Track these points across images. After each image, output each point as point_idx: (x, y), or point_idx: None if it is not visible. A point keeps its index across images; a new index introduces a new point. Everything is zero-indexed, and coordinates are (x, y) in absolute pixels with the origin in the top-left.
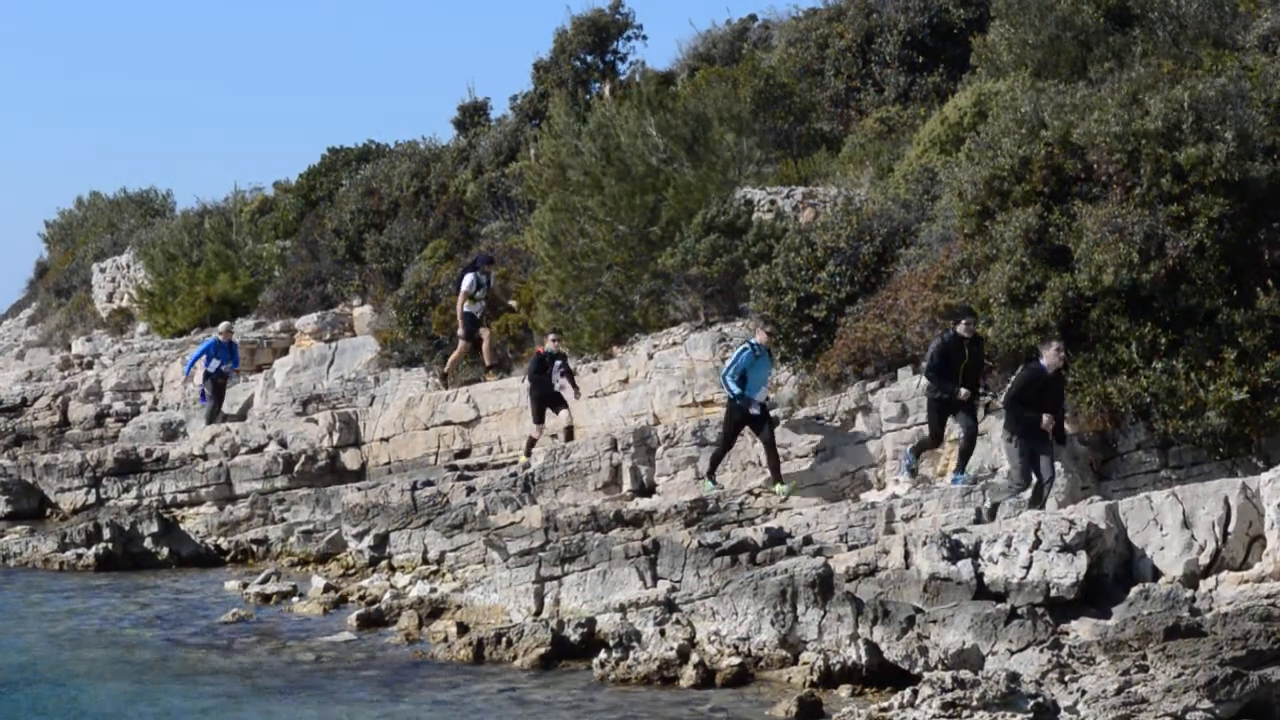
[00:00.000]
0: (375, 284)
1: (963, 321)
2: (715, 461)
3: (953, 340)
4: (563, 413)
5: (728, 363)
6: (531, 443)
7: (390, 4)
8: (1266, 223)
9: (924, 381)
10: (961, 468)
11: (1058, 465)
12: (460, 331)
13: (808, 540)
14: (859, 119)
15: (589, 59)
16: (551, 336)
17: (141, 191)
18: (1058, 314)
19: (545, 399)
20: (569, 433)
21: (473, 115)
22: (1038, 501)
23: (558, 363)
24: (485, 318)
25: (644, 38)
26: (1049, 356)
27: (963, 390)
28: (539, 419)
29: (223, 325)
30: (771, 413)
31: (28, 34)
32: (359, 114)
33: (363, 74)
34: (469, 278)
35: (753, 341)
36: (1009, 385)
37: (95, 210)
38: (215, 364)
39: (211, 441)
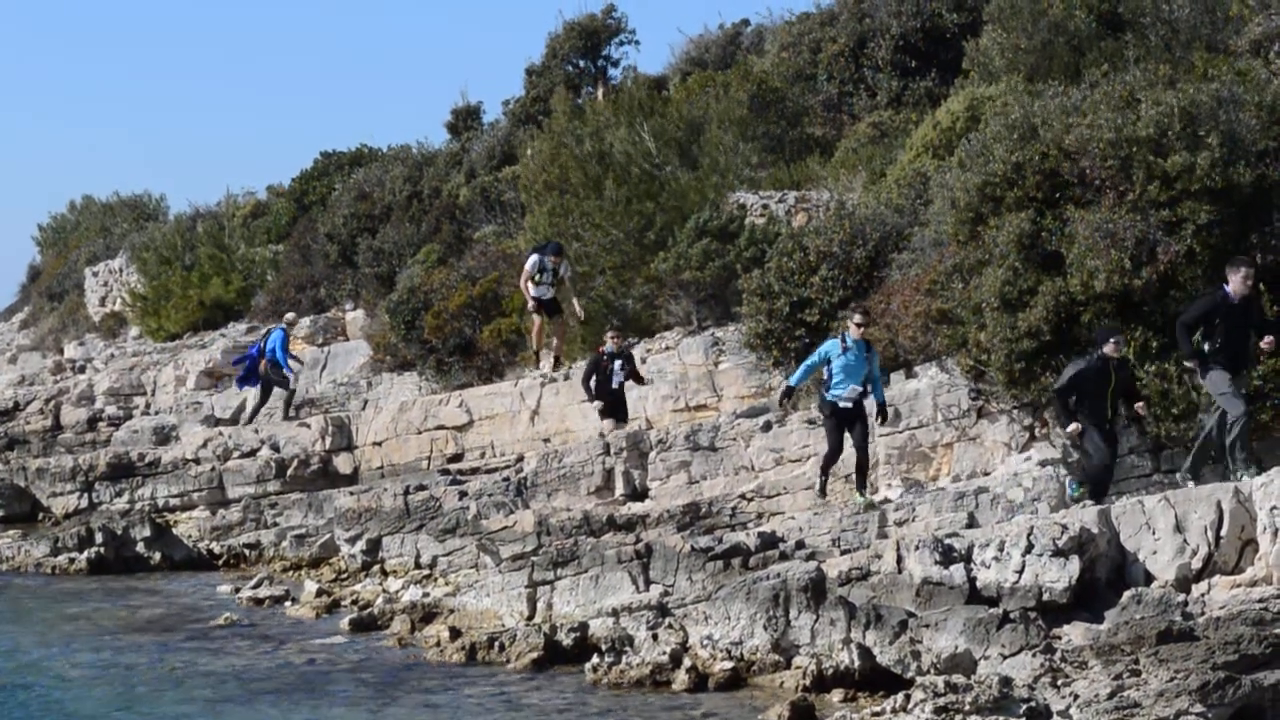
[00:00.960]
0: (368, 288)
1: (1110, 340)
2: (825, 469)
3: (1098, 364)
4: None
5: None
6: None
7: (383, 8)
8: (1257, 227)
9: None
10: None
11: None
12: (529, 306)
13: (800, 544)
14: (851, 123)
15: (581, 63)
16: (611, 334)
17: (134, 195)
18: (1050, 318)
19: (608, 405)
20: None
21: (466, 119)
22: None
23: (618, 363)
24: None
25: (636, 42)
26: (1235, 283)
27: (1072, 426)
28: (611, 413)
29: (288, 316)
30: (764, 418)
31: (22, 36)
32: (352, 118)
33: (356, 78)
34: (533, 258)
35: (844, 333)
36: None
37: (88, 214)
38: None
39: (204, 446)
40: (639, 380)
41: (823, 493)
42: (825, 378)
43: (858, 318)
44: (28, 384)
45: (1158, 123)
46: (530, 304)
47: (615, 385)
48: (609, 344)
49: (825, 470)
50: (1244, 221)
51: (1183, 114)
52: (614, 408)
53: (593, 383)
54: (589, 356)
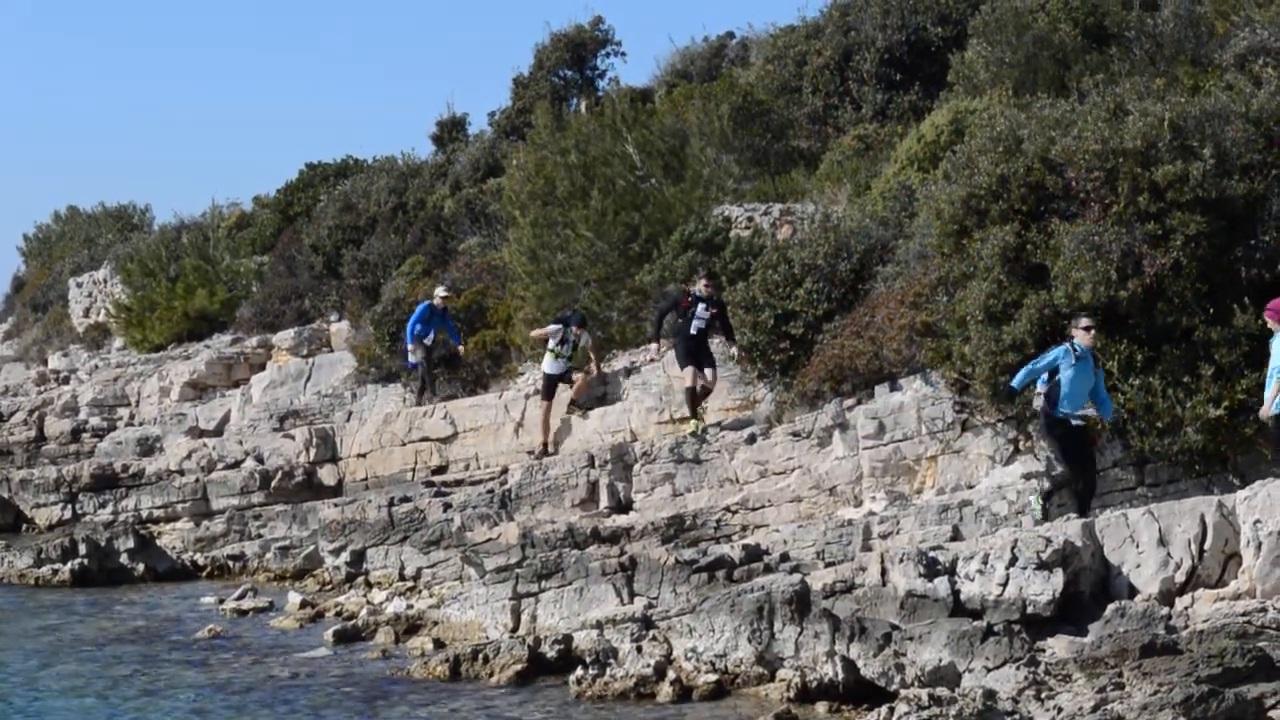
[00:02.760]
0: (353, 299)
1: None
2: (1084, 502)
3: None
4: (707, 372)
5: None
6: (691, 394)
7: (369, 19)
8: (1243, 240)
9: None
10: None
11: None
12: (539, 386)
13: (785, 557)
14: (836, 136)
15: (568, 75)
16: (704, 281)
17: (119, 206)
18: (1035, 331)
19: (690, 348)
20: (703, 394)
21: (451, 131)
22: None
23: (702, 305)
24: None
25: (623, 54)
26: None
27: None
28: (684, 364)
29: (438, 291)
30: (748, 430)
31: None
32: (337, 129)
33: (341, 89)
34: (554, 326)
35: (1073, 342)
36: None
37: (72, 224)
38: (426, 331)
39: (188, 457)
40: (729, 336)
41: (1047, 517)
42: (1046, 389)
43: (1085, 322)
44: (11, 395)
45: (1145, 134)
46: (541, 383)
47: (694, 331)
48: (699, 287)
49: (1085, 502)
50: (1231, 234)
51: (1171, 126)
52: (694, 353)
53: (665, 322)
54: (668, 295)
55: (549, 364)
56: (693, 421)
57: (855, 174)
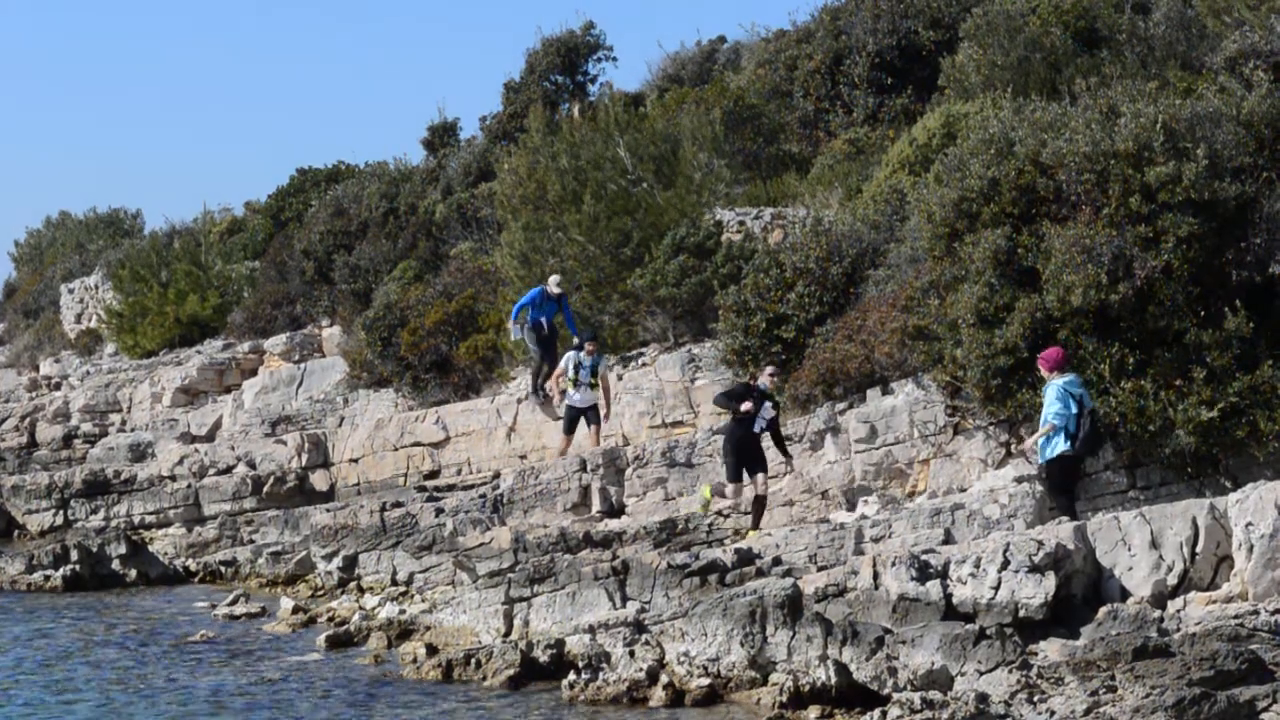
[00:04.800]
0: (344, 305)
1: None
2: None
3: None
4: (759, 478)
5: None
6: (732, 505)
7: (360, 24)
8: (1234, 243)
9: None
10: None
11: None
12: (560, 419)
13: (777, 561)
14: (828, 140)
15: (559, 79)
16: (769, 370)
17: (110, 212)
18: (1026, 335)
19: (744, 452)
20: (759, 505)
21: (442, 136)
22: None
23: (767, 404)
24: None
25: (614, 59)
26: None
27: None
28: (733, 475)
29: (553, 279)
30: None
31: None
32: (329, 134)
33: (333, 94)
34: (566, 357)
35: None
36: None
37: (64, 230)
38: (538, 316)
39: (180, 463)
40: (779, 441)
41: None
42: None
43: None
44: (3, 401)
45: (1137, 136)
46: (563, 416)
47: (758, 429)
48: (764, 380)
49: None
50: (1222, 237)
51: (1164, 128)
52: (745, 456)
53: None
54: (735, 384)
55: (570, 396)
56: (702, 501)
57: (847, 178)
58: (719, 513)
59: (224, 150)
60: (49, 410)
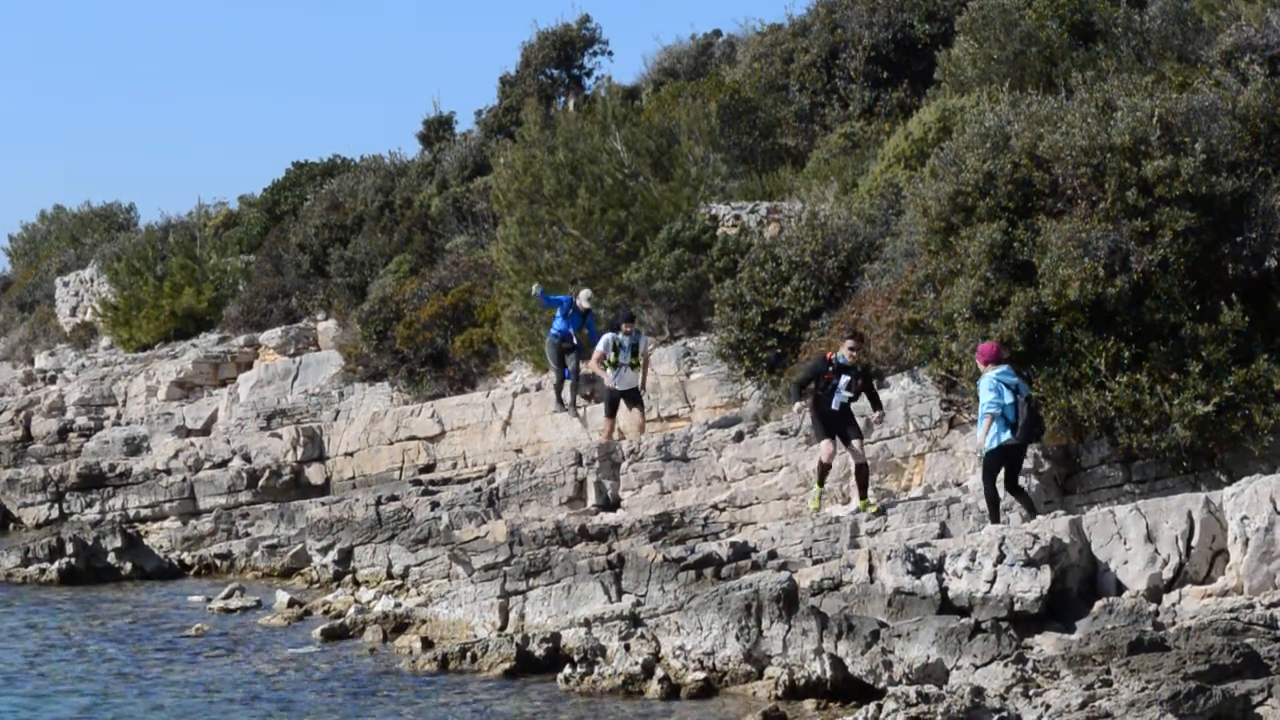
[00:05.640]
0: (339, 298)
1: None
2: None
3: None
4: (855, 444)
5: None
6: (823, 470)
7: (356, 18)
8: (1230, 237)
9: None
10: None
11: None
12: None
13: (772, 554)
14: (823, 134)
15: (555, 73)
16: (849, 343)
17: (105, 205)
18: (1022, 329)
19: (830, 420)
20: (860, 473)
21: (438, 129)
22: None
23: (845, 378)
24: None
25: (609, 53)
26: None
27: None
28: (824, 436)
29: (584, 293)
30: (736, 428)
31: None
32: (324, 128)
33: (328, 88)
34: (604, 339)
35: None
36: None
37: (59, 224)
38: (563, 326)
39: (175, 456)
40: (875, 403)
41: None
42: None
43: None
44: None
45: (1133, 130)
46: (605, 399)
47: (836, 406)
48: (843, 353)
49: None
50: (1218, 231)
51: (1160, 121)
52: (835, 424)
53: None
54: (814, 358)
55: (610, 378)
56: (815, 492)
57: (842, 172)
58: (714, 506)
59: (219, 144)
60: (44, 404)
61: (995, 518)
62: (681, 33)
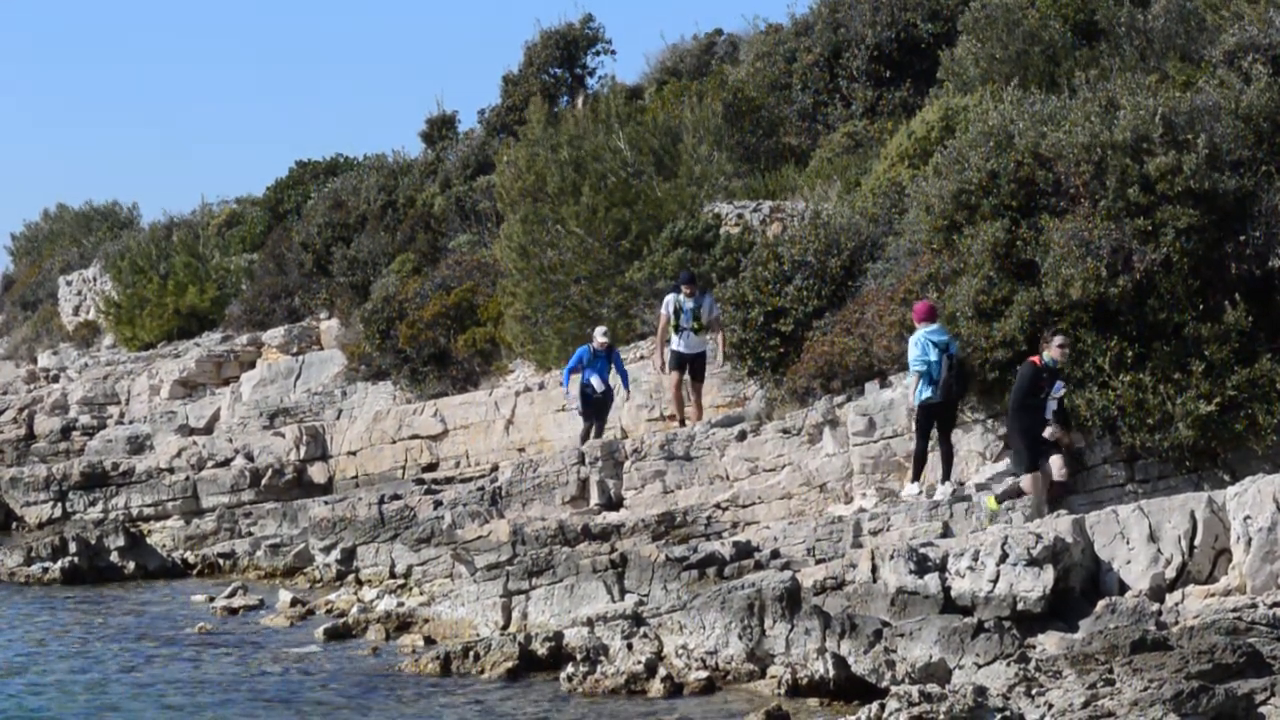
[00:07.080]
0: (342, 297)
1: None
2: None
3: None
4: (1055, 461)
5: None
6: (1041, 490)
7: (358, 17)
8: (1233, 236)
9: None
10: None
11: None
12: (661, 366)
13: (775, 554)
14: (826, 133)
15: (558, 72)
16: (1058, 341)
17: (108, 204)
18: (1025, 328)
19: (1038, 436)
20: (1059, 489)
21: (441, 128)
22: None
23: (1059, 384)
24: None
25: (612, 52)
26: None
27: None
28: (1031, 465)
29: (598, 331)
30: (738, 427)
31: None
32: (327, 127)
33: (331, 87)
34: (667, 300)
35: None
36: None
37: (61, 223)
38: (590, 375)
39: (178, 455)
40: (1066, 425)
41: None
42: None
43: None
44: (1, 393)
45: (1136, 128)
46: (664, 363)
47: (1048, 414)
48: (1053, 354)
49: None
50: (1221, 230)
51: (1163, 119)
52: (1047, 447)
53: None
54: (1024, 367)
55: (674, 343)
56: (990, 513)
57: (845, 171)
58: (717, 505)
59: (222, 143)
60: (47, 402)
61: (916, 475)
62: (684, 31)
